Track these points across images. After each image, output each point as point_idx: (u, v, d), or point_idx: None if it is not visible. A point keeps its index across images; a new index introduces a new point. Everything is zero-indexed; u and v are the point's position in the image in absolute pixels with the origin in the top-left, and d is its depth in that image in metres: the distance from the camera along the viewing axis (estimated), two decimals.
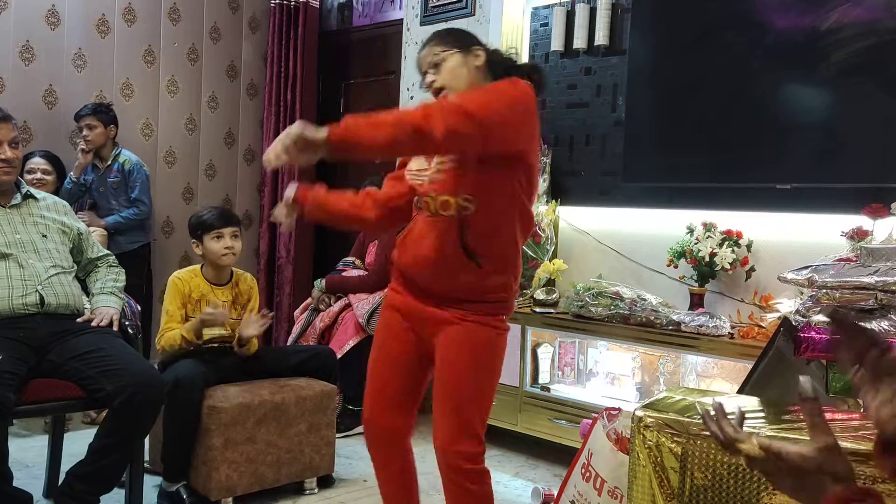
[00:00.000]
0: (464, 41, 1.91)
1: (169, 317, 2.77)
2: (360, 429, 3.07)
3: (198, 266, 2.91)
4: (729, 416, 1.03)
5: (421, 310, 1.92)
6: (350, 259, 3.98)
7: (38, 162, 3.67)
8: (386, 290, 2.10)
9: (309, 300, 3.89)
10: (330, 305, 3.75)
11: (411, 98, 4.24)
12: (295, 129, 1.62)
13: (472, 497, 1.86)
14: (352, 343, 3.51)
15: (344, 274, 3.86)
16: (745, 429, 1.02)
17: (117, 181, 3.88)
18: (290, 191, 2.00)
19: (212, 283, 2.86)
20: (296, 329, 3.84)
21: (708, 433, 1.07)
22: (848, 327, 0.96)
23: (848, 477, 0.92)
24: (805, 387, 0.94)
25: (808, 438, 0.94)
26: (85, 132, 3.80)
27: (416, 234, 1.91)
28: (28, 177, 3.55)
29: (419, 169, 1.94)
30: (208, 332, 2.73)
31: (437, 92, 1.88)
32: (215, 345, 2.78)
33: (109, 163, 3.88)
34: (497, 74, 1.90)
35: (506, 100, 1.75)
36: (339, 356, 3.31)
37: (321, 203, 2.02)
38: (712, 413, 1.04)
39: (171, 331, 2.74)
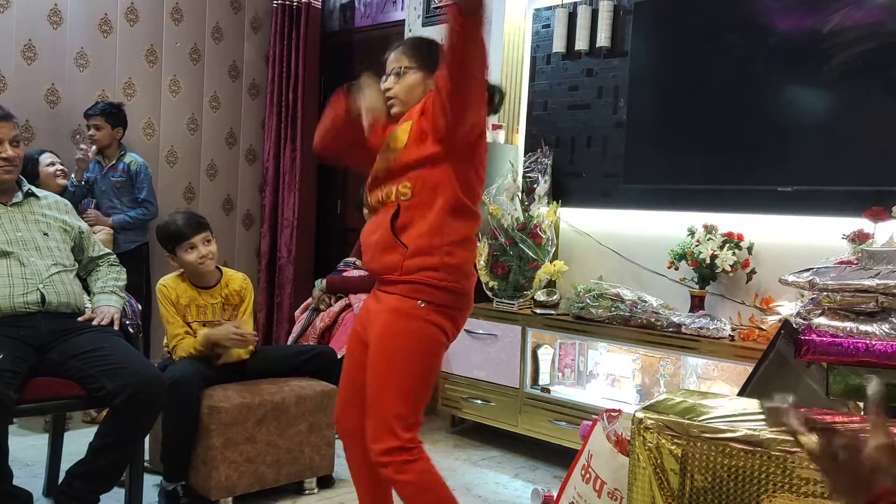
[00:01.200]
0: (430, 62, 2.02)
1: (170, 324, 2.76)
2: None
3: (182, 271, 2.86)
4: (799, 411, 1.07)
5: (367, 308, 2.05)
6: (351, 259, 3.98)
7: (51, 156, 3.66)
8: None
9: (309, 300, 3.89)
10: (330, 305, 3.75)
11: None
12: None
13: (403, 487, 1.92)
14: None
15: (345, 274, 3.85)
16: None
17: (122, 181, 3.89)
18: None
19: (199, 287, 2.84)
20: (296, 329, 3.84)
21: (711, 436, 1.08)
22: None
23: None
24: (874, 389, 0.99)
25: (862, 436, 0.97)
26: (91, 131, 3.80)
27: (368, 227, 2.06)
28: (50, 169, 3.56)
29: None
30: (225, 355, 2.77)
31: (389, 99, 2.07)
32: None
33: (114, 162, 3.89)
34: None
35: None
36: (339, 356, 3.30)
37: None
38: (784, 406, 1.08)
39: (181, 339, 2.73)
